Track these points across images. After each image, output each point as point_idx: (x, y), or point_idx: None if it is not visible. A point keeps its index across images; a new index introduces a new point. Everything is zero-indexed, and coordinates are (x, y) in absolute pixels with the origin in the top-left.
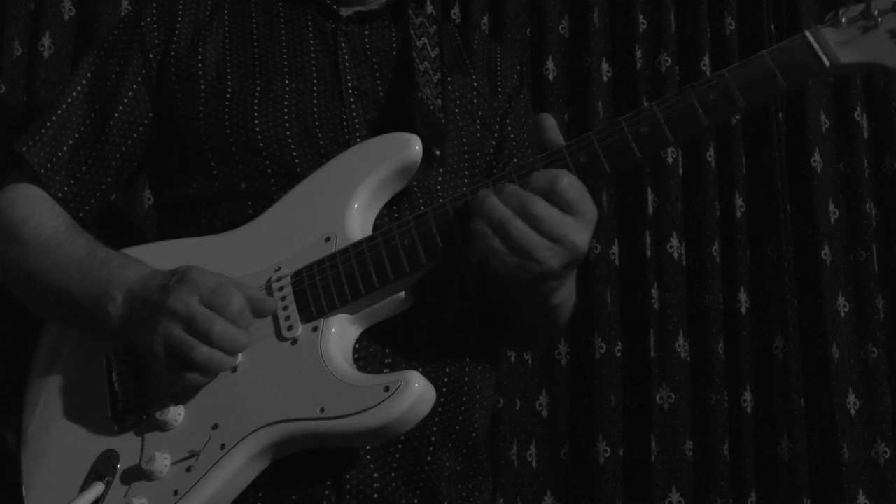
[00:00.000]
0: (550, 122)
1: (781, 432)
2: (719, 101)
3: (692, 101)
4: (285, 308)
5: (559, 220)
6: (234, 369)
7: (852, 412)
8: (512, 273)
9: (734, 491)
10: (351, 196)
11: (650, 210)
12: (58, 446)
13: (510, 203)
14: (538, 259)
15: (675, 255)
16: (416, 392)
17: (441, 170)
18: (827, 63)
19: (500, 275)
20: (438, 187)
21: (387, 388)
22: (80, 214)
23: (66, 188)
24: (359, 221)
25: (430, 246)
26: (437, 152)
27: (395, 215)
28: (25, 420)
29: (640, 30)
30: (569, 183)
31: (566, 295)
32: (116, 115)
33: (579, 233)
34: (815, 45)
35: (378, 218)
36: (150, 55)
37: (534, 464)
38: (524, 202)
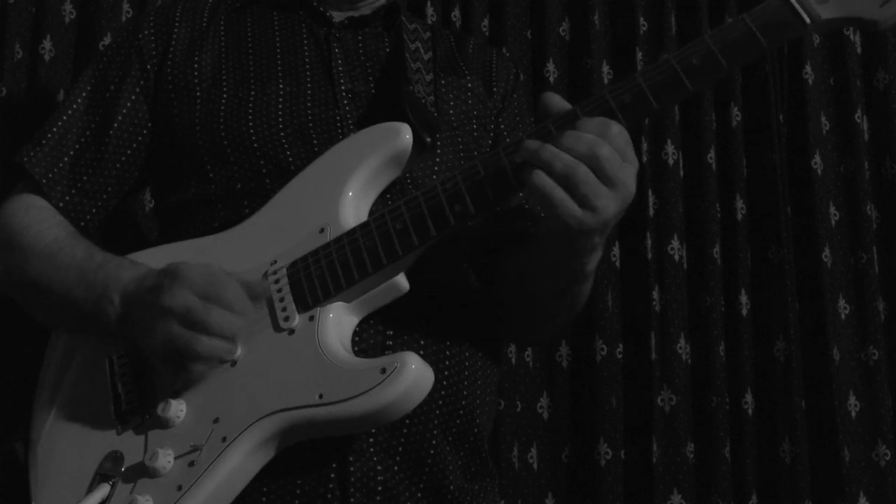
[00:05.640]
0: (554, 98)
1: (782, 434)
2: (702, 66)
3: (676, 68)
4: (282, 300)
5: (619, 164)
6: (234, 363)
7: (853, 414)
8: (566, 227)
9: (735, 493)
10: (343, 187)
11: (651, 212)
12: (65, 452)
13: (574, 148)
14: (597, 206)
15: (676, 257)
16: (412, 373)
17: (436, 167)
18: (808, 21)
19: (548, 231)
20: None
21: (383, 370)
22: (82, 224)
23: (67, 198)
24: (352, 211)
25: (422, 228)
26: (428, 139)
27: (391, 206)
28: (34, 429)
29: (641, 32)
30: (619, 131)
31: (597, 263)
32: (116, 125)
33: (633, 178)
34: (795, 4)
35: (374, 209)
36: (148, 66)
37: (535, 466)
38: (591, 145)
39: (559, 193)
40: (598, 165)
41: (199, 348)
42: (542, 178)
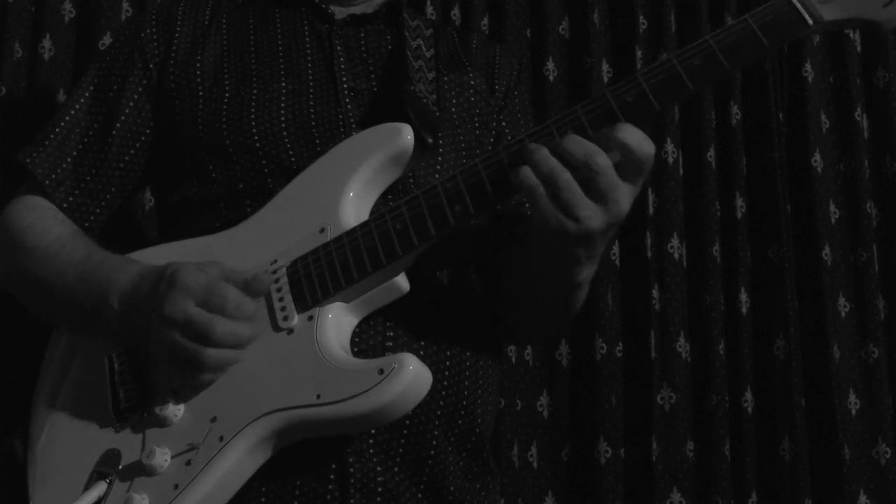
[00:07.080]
0: None
1: (782, 433)
2: (704, 67)
3: (678, 69)
4: (281, 299)
5: (613, 180)
6: None
7: (853, 412)
8: (549, 228)
9: (735, 491)
10: (344, 187)
11: (651, 210)
12: (63, 450)
13: (570, 150)
14: (579, 217)
15: (676, 256)
16: (410, 374)
17: (438, 166)
18: (810, 22)
19: (538, 234)
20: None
21: (381, 371)
22: (86, 224)
23: (70, 198)
24: (353, 211)
25: (422, 228)
26: (430, 140)
27: (391, 205)
28: (33, 427)
29: (641, 30)
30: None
31: (589, 275)
32: (119, 125)
33: (627, 198)
34: (798, 5)
35: (375, 209)
36: (150, 65)
37: (535, 464)
38: (588, 153)
39: (542, 191)
40: (589, 176)
41: (207, 361)
42: (527, 174)
